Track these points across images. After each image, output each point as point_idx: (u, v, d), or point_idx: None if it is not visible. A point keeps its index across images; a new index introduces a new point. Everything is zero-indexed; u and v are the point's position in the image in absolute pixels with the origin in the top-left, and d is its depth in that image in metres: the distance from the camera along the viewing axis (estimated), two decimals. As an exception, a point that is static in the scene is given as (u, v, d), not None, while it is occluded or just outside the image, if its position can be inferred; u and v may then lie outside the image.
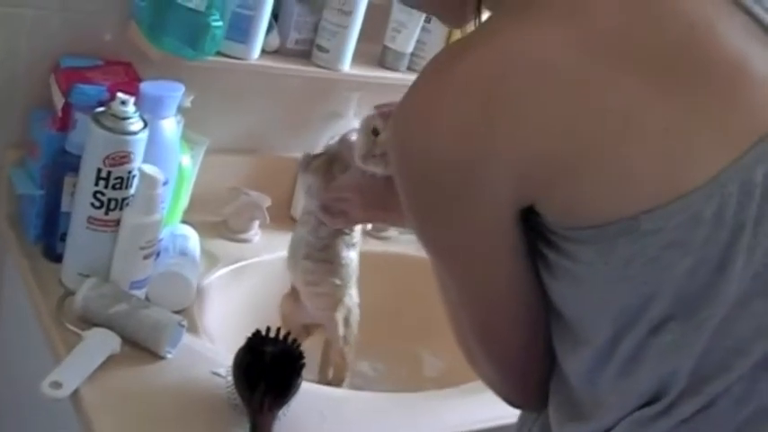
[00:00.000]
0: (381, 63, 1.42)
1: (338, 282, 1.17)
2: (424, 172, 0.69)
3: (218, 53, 1.20)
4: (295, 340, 1.05)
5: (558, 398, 0.78)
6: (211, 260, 1.29)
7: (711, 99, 0.66)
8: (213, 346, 1.12)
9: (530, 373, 0.81)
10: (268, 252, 1.36)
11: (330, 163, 1.14)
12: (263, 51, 1.26)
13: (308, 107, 1.45)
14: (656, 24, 0.67)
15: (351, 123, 1.42)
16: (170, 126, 1.16)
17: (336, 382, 1.24)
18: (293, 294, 1.23)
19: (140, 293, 1.13)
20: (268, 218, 1.36)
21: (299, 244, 1.18)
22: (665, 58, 0.66)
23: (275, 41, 1.29)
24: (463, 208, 0.70)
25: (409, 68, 1.42)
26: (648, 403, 0.70)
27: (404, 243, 1.45)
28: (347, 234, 1.17)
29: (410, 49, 1.41)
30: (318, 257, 1.16)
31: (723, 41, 0.67)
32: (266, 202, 1.37)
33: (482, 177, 0.68)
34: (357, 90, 1.41)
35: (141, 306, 1.08)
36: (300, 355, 1.04)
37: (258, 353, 1.02)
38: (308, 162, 1.16)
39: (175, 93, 1.15)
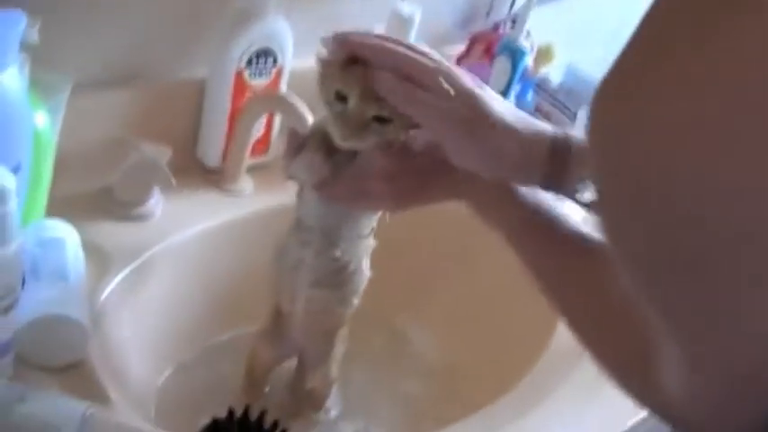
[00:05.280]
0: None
1: (355, 301, 0.80)
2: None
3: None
4: (276, 423, 0.67)
5: None
6: (97, 260, 0.85)
7: None
8: (140, 427, 0.72)
9: None
10: (178, 228, 0.93)
11: (327, 139, 0.69)
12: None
13: (206, 6, 0.98)
14: None
15: (271, 24, 0.98)
16: (12, 80, 0.70)
17: (315, 408, 0.89)
18: (270, 330, 0.84)
19: (5, 362, 0.70)
20: (173, 179, 0.92)
21: (298, 267, 0.76)
22: None
23: None
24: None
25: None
26: None
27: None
28: (366, 236, 0.77)
29: None
30: (330, 282, 0.77)
31: None
32: (166, 155, 0.93)
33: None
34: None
35: (15, 398, 0.66)
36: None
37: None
38: (297, 142, 0.71)
39: (14, 27, 0.68)
